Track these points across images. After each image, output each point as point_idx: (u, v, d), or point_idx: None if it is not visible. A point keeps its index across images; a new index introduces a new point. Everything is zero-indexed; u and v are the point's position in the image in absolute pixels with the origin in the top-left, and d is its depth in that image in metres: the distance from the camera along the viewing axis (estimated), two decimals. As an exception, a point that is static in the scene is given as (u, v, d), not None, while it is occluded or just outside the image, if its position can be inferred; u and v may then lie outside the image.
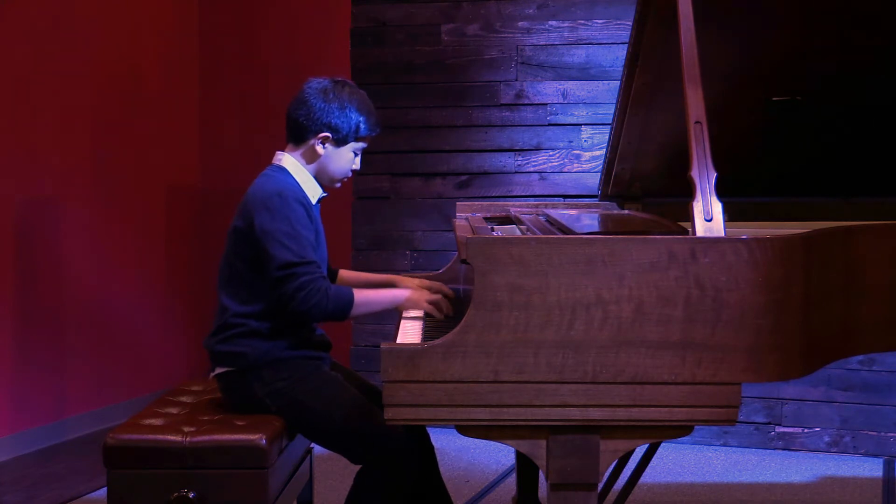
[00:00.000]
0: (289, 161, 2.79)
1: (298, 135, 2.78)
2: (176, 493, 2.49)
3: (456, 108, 4.79)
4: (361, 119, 2.77)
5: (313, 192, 2.80)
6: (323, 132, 2.75)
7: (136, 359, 5.11)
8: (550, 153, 4.71)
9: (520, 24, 4.71)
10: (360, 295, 2.67)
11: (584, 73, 4.66)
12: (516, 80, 4.72)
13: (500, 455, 4.30)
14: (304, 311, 2.60)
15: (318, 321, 2.71)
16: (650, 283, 2.15)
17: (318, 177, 2.81)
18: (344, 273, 3.08)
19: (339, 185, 2.85)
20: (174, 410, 2.78)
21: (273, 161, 2.81)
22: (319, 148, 2.77)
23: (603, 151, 4.10)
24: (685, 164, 2.27)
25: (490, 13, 4.73)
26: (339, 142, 2.77)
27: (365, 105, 2.80)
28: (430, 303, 2.75)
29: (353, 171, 2.85)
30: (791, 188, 3.16)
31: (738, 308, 2.15)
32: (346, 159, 2.80)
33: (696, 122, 2.28)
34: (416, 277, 3.05)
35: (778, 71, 2.89)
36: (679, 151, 2.38)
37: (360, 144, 2.81)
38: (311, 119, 2.75)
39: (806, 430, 4.43)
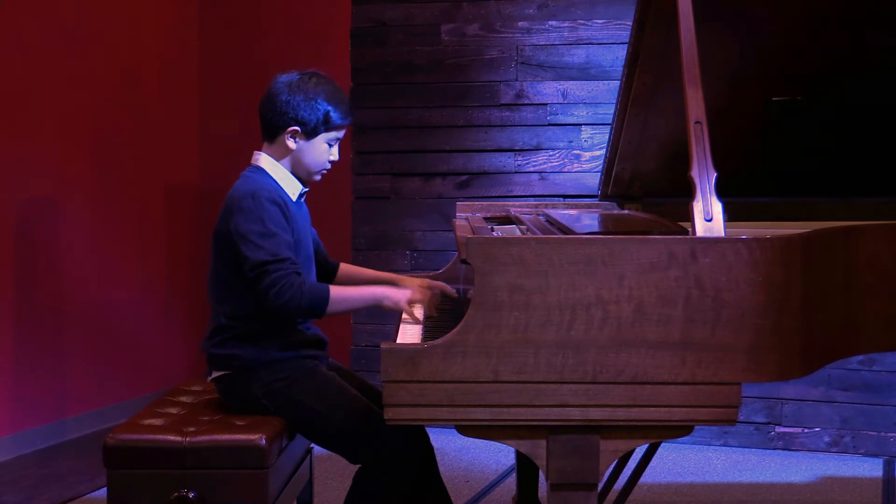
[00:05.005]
0: (265, 160, 2.76)
1: (270, 132, 2.76)
2: (176, 493, 2.49)
3: (456, 108, 4.78)
4: (330, 108, 2.72)
5: (293, 189, 2.77)
6: (291, 126, 2.72)
7: (136, 359, 5.11)
8: (550, 153, 4.71)
9: (520, 24, 4.71)
10: (337, 291, 2.63)
11: (584, 73, 4.66)
12: (516, 80, 4.72)
13: (500, 455, 4.30)
14: (278, 307, 2.57)
15: (295, 317, 2.68)
16: (650, 283, 2.15)
17: (295, 172, 2.78)
18: (345, 268, 3.06)
19: (318, 177, 2.81)
20: (174, 410, 2.77)
21: (251, 161, 2.79)
22: (290, 143, 2.73)
23: (603, 151, 4.10)
24: (685, 164, 2.27)
25: (490, 13, 4.73)
26: (309, 134, 2.73)
27: (334, 95, 2.75)
28: (413, 302, 2.69)
29: (332, 163, 2.80)
30: (791, 188, 3.16)
31: (738, 308, 2.16)
32: (319, 151, 2.76)
33: (696, 122, 2.28)
34: (418, 277, 3.05)
35: (778, 71, 2.89)
36: (679, 151, 2.38)
37: (333, 135, 2.76)
38: (278, 114, 2.72)
39: (806, 430, 4.43)
